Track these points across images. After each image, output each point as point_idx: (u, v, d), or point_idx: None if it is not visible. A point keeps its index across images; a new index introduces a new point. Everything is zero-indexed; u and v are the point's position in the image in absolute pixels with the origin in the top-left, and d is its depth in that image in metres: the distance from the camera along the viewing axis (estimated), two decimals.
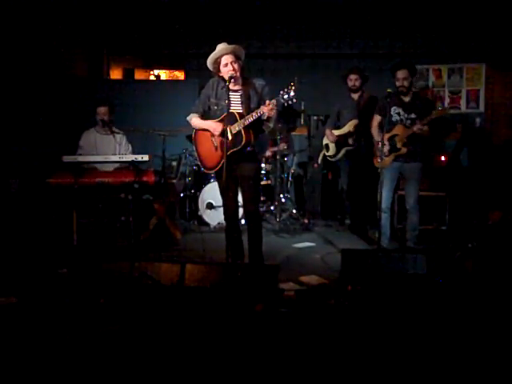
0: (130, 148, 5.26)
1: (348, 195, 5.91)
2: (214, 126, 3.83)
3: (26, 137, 5.91)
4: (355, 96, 5.73)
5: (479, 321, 3.00)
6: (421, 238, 4.74)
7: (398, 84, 4.53)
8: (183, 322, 3.03)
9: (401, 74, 4.50)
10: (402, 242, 4.90)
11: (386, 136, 4.54)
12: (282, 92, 3.60)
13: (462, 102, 7.04)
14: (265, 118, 3.66)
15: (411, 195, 4.61)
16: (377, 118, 4.72)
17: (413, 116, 4.49)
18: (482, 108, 7.01)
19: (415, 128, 4.41)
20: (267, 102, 3.61)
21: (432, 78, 7.14)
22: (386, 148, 4.52)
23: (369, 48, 6.96)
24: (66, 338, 2.80)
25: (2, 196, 5.18)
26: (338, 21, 6.85)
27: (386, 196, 4.59)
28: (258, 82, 3.90)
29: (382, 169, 4.55)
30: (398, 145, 4.52)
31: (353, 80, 5.65)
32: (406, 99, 4.57)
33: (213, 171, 4.01)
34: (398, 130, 4.54)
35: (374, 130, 4.73)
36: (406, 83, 4.49)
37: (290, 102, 3.62)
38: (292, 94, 3.57)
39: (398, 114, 4.56)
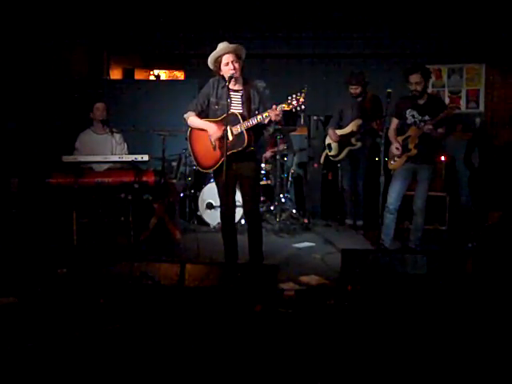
0: (126, 147, 5.25)
1: (356, 195, 5.88)
2: (213, 128, 3.78)
3: (25, 137, 5.91)
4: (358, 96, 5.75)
5: (479, 321, 3.00)
6: (421, 238, 4.72)
7: (411, 88, 4.46)
8: (183, 321, 3.02)
9: (413, 78, 4.41)
10: (405, 243, 4.88)
11: (400, 138, 4.56)
12: (290, 98, 3.55)
13: (462, 102, 7.03)
14: (266, 121, 3.64)
15: (420, 197, 4.58)
16: (394, 121, 4.68)
17: (426, 118, 4.46)
18: (481, 108, 7.01)
19: (425, 128, 4.40)
20: (274, 106, 3.57)
21: (432, 78, 7.14)
22: (400, 151, 4.53)
23: (369, 48, 6.95)
24: (65, 338, 2.80)
25: (2, 196, 5.18)
26: (338, 21, 6.84)
27: (395, 197, 4.58)
28: (259, 84, 3.89)
29: (395, 170, 4.56)
30: (410, 146, 4.51)
31: (353, 89, 5.69)
32: (421, 102, 4.52)
33: (210, 170, 3.97)
34: (411, 131, 4.53)
35: (391, 133, 4.69)
36: (418, 88, 4.42)
37: (297, 109, 3.58)
38: (302, 100, 3.53)
39: (413, 116, 4.54)
